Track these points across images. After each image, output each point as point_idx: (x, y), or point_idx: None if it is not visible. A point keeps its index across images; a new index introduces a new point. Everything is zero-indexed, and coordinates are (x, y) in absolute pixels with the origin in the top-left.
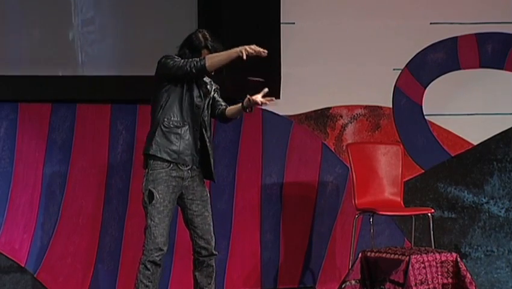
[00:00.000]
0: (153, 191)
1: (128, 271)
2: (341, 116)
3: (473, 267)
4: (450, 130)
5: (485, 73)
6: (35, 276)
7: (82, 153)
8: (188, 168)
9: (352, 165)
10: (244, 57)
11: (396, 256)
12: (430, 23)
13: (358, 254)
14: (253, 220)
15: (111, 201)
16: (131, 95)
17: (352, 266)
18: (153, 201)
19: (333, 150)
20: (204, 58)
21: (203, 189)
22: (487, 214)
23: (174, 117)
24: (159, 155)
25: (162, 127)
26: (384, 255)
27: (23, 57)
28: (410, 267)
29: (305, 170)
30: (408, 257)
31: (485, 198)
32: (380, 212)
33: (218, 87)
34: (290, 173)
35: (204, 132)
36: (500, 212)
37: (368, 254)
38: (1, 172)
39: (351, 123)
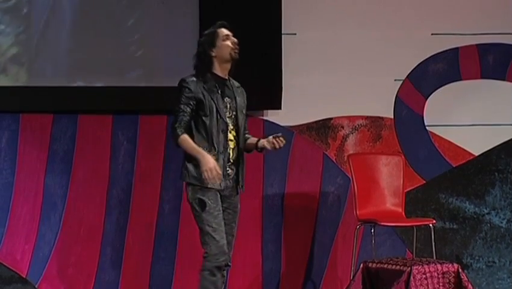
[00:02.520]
0: (204, 198)
1: (129, 281)
2: (343, 127)
3: (475, 278)
4: (451, 140)
5: (486, 84)
6: (36, 286)
7: (84, 164)
8: (229, 177)
9: (353, 175)
10: (205, 176)
11: (398, 267)
12: (432, 34)
13: (360, 265)
14: (254, 230)
15: (112, 211)
16: (133, 106)
17: (353, 277)
18: (207, 208)
19: (334, 161)
20: (180, 136)
21: (237, 200)
22: (489, 225)
23: (200, 142)
24: (187, 180)
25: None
26: (385, 266)
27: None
28: (412, 278)
29: (306, 180)
30: (409, 268)
31: (486, 209)
32: (382, 223)
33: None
34: (292, 183)
35: (239, 138)
36: (501, 223)
37: (370, 265)
38: (2, 183)
39: (352, 133)
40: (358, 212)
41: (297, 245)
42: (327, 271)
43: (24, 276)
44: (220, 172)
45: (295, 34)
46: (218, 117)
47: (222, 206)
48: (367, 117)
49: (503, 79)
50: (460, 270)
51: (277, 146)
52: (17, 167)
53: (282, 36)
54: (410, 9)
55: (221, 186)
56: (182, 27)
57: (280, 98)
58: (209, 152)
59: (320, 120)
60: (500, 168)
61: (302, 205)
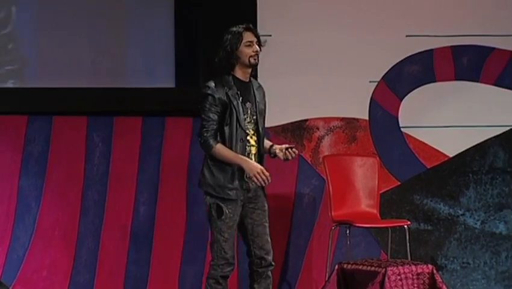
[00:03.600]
0: (223, 206)
1: (104, 283)
2: (318, 128)
3: (449, 279)
4: (426, 142)
5: (461, 86)
6: (10, 288)
7: (58, 166)
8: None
9: (328, 177)
10: (254, 181)
11: (373, 268)
12: (407, 36)
13: (335, 267)
14: None
15: (87, 213)
16: (108, 107)
17: (328, 278)
18: (223, 217)
19: (309, 162)
20: (214, 147)
21: (264, 199)
22: (463, 226)
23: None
24: (204, 189)
25: (208, 160)
26: (360, 267)
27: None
28: (386, 279)
29: (281, 182)
30: (384, 269)
31: (461, 210)
32: (357, 224)
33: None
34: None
35: (260, 142)
36: (476, 224)
37: (345, 266)
38: None
39: (327, 135)
40: (333, 213)
41: (273, 246)
42: (303, 272)
43: None
44: (268, 173)
45: (270, 36)
46: (238, 126)
47: (249, 207)
48: (342, 119)
49: (477, 81)
50: (434, 271)
51: (289, 157)
52: None
53: None
54: (385, 11)
55: (238, 196)
56: (157, 28)
57: None
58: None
59: (295, 122)
60: (474, 170)
61: (277, 206)
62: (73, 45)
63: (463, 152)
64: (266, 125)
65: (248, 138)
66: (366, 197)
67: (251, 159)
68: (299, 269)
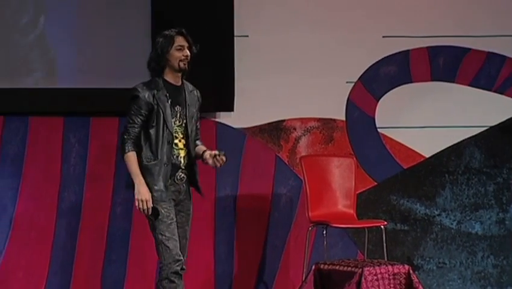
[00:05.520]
0: (157, 207)
1: (81, 285)
2: (295, 129)
3: (426, 279)
4: (402, 142)
5: (437, 86)
6: None
7: (35, 166)
8: (183, 182)
9: (305, 177)
10: (136, 204)
11: (349, 269)
12: (383, 36)
13: (312, 267)
14: (207, 232)
15: (64, 214)
16: (84, 108)
17: (305, 278)
18: (160, 217)
19: (287, 163)
20: (127, 153)
21: (190, 203)
22: (439, 226)
23: (147, 152)
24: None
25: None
26: (337, 267)
27: None
28: (363, 279)
29: (258, 182)
30: (361, 269)
31: (437, 210)
32: (334, 225)
33: (200, 98)
34: (244, 185)
35: (189, 145)
36: (452, 224)
37: (322, 266)
38: None
39: (304, 135)
40: (310, 213)
41: (250, 247)
42: (280, 272)
43: None
44: (151, 206)
45: (247, 36)
46: (165, 128)
47: (176, 209)
48: (319, 119)
49: (453, 82)
50: (411, 271)
51: (218, 164)
52: None
53: (235, 38)
54: (361, 12)
55: (162, 198)
56: (134, 28)
57: (232, 100)
58: (154, 162)
59: (272, 122)
60: (450, 170)
61: (254, 207)
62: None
63: (439, 152)
64: (243, 125)
65: (176, 141)
66: (343, 198)
67: (180, 162)
68: (276, 269)
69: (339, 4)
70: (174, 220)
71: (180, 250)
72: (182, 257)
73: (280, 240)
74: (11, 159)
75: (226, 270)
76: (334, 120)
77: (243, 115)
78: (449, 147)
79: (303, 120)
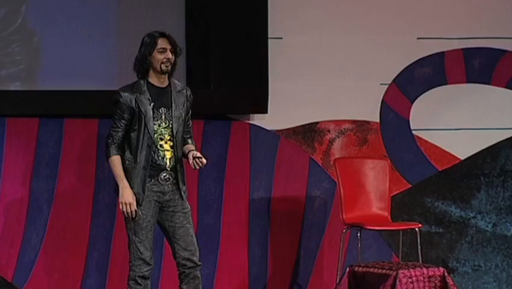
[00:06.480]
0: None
1: (115, 286)
2: (329, 131)
3: (461, 282)
4: (437, 145)
5: (472, 88)
6: None
7: (70, 168)
8: (168, 182)
9: (339, 180)
10: (120, 207)
11: (384, 271)
12: (418, 38)
13: (346, 269)
14: (241, 235)
15: (99, 216)
16: None
17: (339, 281)
18: (136, 218)
19: (320, 165)
20: (111, 157)
21: (183, 202)
22: (474, 229)
23: (127, 155)
24: (117, 192)
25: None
26: (371, 270)
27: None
28: (397, 282)
29: (292, 184)
30: (395, 272)
31: (472, 213)
32: (368, 227)
33: (191, 96)
34: (278, 187)
35: (176, 147)
36: (487, 226)
37: (356, 269)
38: None
39: (338, 137)
40: (344, 216)
41: (284, 249)
42: (314, 275)
43: (9, 281)
44: (135, 209)
45: (281, 38)
46: (146, 132)
47: (169, 211)
48: (353, 121)
49: (489, 84)
50: (446, 274)
51: (197, 167)
52: (3, 171)
53: (269, 40)
54: (396, 14)
55: (140, 201)
56: (168, 30)
57: (266, 102)
58: (133, 165)
59: (306, 124)
60: (485, 172)
61: (288, 209)
62: (85, 47)
63: (474, 154)
64: (277, 128)
65: (162, 143)
66: (377, 200)
67: (165, 163)
68: (310, 272)
69: (373, 6)
70: (152, 222)
71: (188, 247)
72: (152, 263)
73: (315, 242)
74: (46, 161)
75: (260, 272)
76: (368, 122)
77: (277, 117)
78: (485, 149)
79: (337, 122)
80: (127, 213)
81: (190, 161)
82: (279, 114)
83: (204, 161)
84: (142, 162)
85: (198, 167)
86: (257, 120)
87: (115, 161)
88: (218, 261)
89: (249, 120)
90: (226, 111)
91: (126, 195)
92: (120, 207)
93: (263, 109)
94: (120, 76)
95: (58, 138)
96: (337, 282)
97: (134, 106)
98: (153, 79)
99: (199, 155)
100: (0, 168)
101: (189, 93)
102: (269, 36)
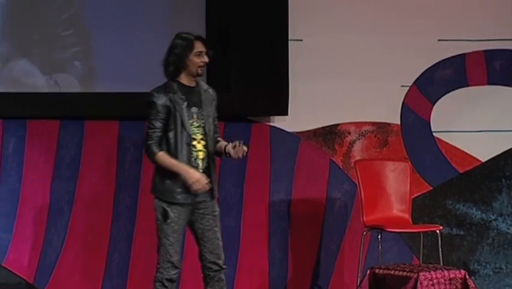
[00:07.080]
0: (168, 210)
1: (136, 288)
2: (349, 133)
3: (482, 284)
4: (458, 147)
5: (493, 90)
6: None
7: (91, 170)
8: None
9: (360, 181)
10: (193, 190)
11: (405, 273)
12: (439, 40)
13: (367, 271)
14: (261, 237)
15: (119, 218)
16: (139, 112)
17: (360, 283)
18: (168, 220)
19: (341, 167)
20: (157, 154)
21: (214, 204)
22: (496, 231)
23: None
24: (153, 193)
25: (158, 166)
26: (392, 272)
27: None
28: (418, 284)
29: (313, 186)
30: (416, 274)
31: (493, 215)
32: (389, 229)
33: (216, 96)
34: (298, 189)
35: (208, 146)
36: (508, 229)
37: (377, 271)
38: (10, 189)
39: (359, 139)
40: (364, 218)
41: (304, 251)
42: (334, 277)
43: (31, 282)
44: (206, 180)
45: (301, 40)
46: (183, 131)
47: (199, 213)
48: (373, 123)
49: (510, 85)
50: (467, 276)
51: (240, 155)
52: (24, 173)
53: (289, 42)
54: (417, 15)
55: (185, 200)
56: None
57: (287, 104)
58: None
59: (326, 126)
60: (507, 174)
61: (308, 211)
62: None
63: (496, 156)
64: (297, 129)
65: (195, 143)
66: (398, 202)
67: (198, 164)
68: (330, 274)
69: (394, 8)
70: (183, 225)
71: (215, 250)
72: (180, 266)
73: (335, 244)
74: (67, 163)
75: (280, 274)
76: (389, 124)
77: (297, 119)
78: (506, 151)
79: (357, 124)
80: (202, 189)
81: (232, 152)
82: (300, 116)
83: (245, 148)
84: (184, 161)
85: (241, 154)
86: (277, 122)
87: (163, 156)
88: (238, 263)
89: (269, 122)
90: (247, 113)
91: (191, 175)
92: (195, 189)
93: (283, 111)
94: (138, 79)
95: (79, 140)
96: (358, 284)
97: (169, 105)
98: (183, 80)
99: (237, 143)
100: (21, 170)
101: (214, 93)
102: (290, 38)
